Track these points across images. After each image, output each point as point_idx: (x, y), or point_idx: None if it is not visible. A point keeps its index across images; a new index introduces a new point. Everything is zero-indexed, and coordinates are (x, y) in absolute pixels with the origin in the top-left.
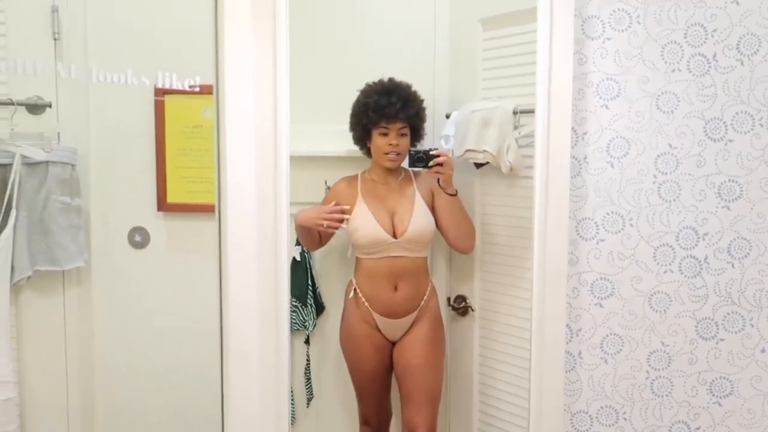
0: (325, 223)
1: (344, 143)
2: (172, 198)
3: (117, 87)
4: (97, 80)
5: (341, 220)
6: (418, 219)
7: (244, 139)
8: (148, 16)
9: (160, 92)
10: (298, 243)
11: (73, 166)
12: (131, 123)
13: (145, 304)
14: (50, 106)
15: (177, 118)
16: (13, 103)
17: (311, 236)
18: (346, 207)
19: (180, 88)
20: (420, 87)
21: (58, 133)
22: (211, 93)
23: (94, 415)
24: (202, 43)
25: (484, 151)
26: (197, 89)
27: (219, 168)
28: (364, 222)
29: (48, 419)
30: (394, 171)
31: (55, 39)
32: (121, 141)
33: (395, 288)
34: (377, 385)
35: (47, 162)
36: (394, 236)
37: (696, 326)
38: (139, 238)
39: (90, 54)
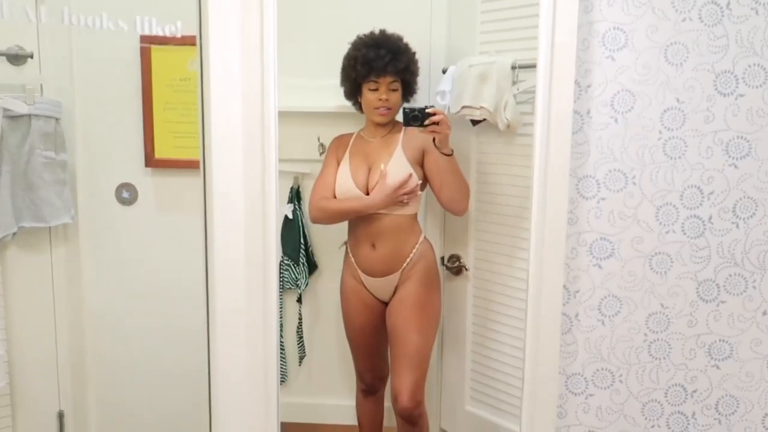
0: (406, 198)
1: (337, 98)
2: (160, 153)
3: (101, 37)
4: (70, 23)
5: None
6: (391, 174)
7: (230, 92)
8: None
9: (146, 40)
10: (290, 201)
11: (57, 119)
12: (117, 75)
13: (134, 261)
14: (32, 57)
15: (164, 71)
16: None
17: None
18: (419, 182)
19: (160, 34)
20: (416, 40)
21: (41, 85)
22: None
23: (83, 371)
24: None
25: (481, 107)
26: (178, 35)
27: (204, 122)
28: (341, 180)
29: (37, 376)
30: (384, 126)
31: None
32: (107, 94)
33: (373, 246)
34: (366, 342)
35: (30, 115)
36: (367, 193)
37: (697, 288)
38: (126, 195)
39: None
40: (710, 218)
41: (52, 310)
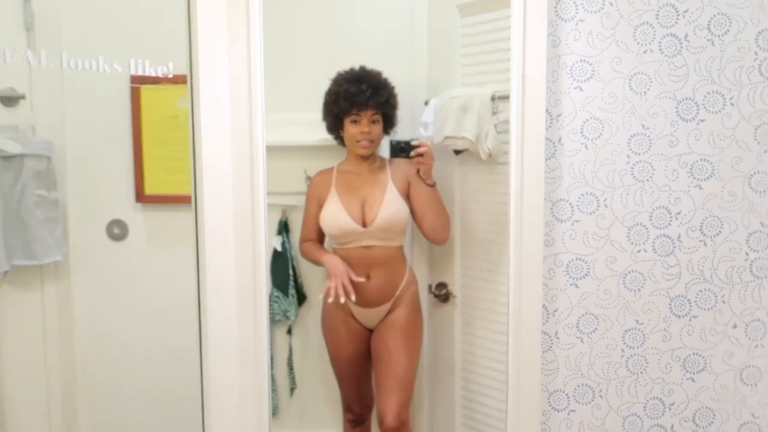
0: (332, 291)
1: (321, 132)
2: (150, 189)
3: (92, 77)
4: (68, 67)
5: (345, 294)
6: (388, 207)
7: (220, 129)
8: (122, 4)
9: (137, 81)
10: (279, 233)
11: (49, 158)
12: (107, 114)
13: (126, 297)
14: (24, 98)
15: (153, 109)
16: None
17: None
18: (353, 288)
19: (153, 74)
20: (398, 74)
21: (33, 126)
22: (186, 82)
23: (75, 409)
24: (176, 31)
25: (464, 137)
26: (170, 76)
27: (195, 158)
28: (334, 214)
29: (29, 415)
30: (368, 159)
31: (27, 30)
32: (98, 133)
33: (368, 277)
34: (355, 371)
35: (23, 155)
36: (364, 225)
37: (669, 304)
38: (117, 231)
39: (63, 44)
40: (679, 237)
41: (43, 348)
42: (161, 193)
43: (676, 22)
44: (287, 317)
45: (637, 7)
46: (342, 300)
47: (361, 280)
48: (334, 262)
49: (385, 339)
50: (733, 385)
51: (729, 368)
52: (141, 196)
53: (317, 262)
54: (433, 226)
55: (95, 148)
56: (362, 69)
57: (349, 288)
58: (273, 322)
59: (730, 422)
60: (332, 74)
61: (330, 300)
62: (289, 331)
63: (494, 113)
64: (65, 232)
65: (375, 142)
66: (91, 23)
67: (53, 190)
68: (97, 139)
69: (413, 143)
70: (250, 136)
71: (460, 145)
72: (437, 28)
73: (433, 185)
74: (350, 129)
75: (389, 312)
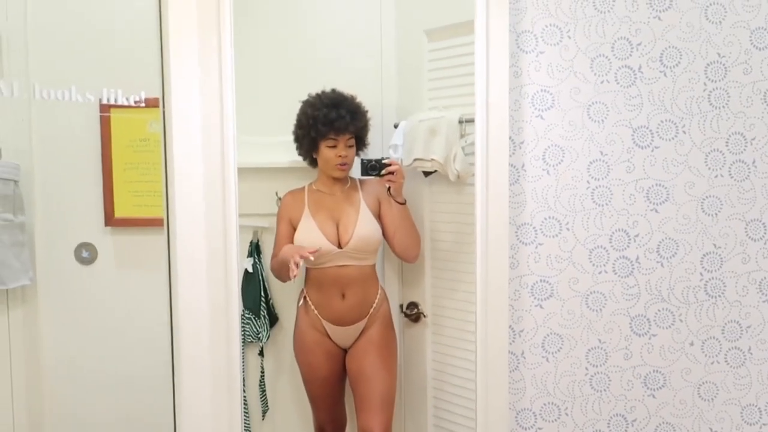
0: (291, 261)
1: (291, 154)
2: (120, 212)
3: (60, 102)
4: (40, 97)
5: (303, 257)
6: (363, 228)
7: (191, 152)
8: (91, 32)
9: (106, 108)
10: (250, 255)
11: (15, 182)
12: (76, 138)
13: (95, 322)
14: None
15: (123, 132)
16: None
17: (285, 270)
18: (317, 249)
19: (125, 104)
20: (367, 97)
21: None
22: (157, 106)
23: None
24: (147, 57)
25: (432, 159)
26: (143, 105)
27: (167, 181)
28: (309, 234)
29: None
30: (341, 180)
31: None
32: (66, 156)
33: (343, 296)
34: (330, 391)
35: None
36: (339, 246)
37: (630, 323)
38: (86, 254)
39: (32, 71)
40: (637, 258)
41: (9, 373)
42: (131, 216)
43: (631, 55)
44: (259, 338)
45: (594, 40)
46: (299, 263)
47: (316, 249)
48: (286, 248)
49: (364, 357)
50: (691, 400)
51: (687, 384)
52: (110, 219)
53: (280, 263)
54: (404, 243)
55: (63, 172)
56: (338, 93)
57: (305, 253)
58: (245, 343)
59: None
60: (302, 98)
61: (293, 275)
62: (261, 353)
63: (462, 136)
64: (32, 256)
65: (350, 165)
66: (59, 51)
67: (20, 214)
68: (65, 162)
69: (384, 161)
70: (221, 158)
71: (428, 167)
72: (405, 52)
73: (403, 203)
74: (327, 152)
75: (364, 330)
